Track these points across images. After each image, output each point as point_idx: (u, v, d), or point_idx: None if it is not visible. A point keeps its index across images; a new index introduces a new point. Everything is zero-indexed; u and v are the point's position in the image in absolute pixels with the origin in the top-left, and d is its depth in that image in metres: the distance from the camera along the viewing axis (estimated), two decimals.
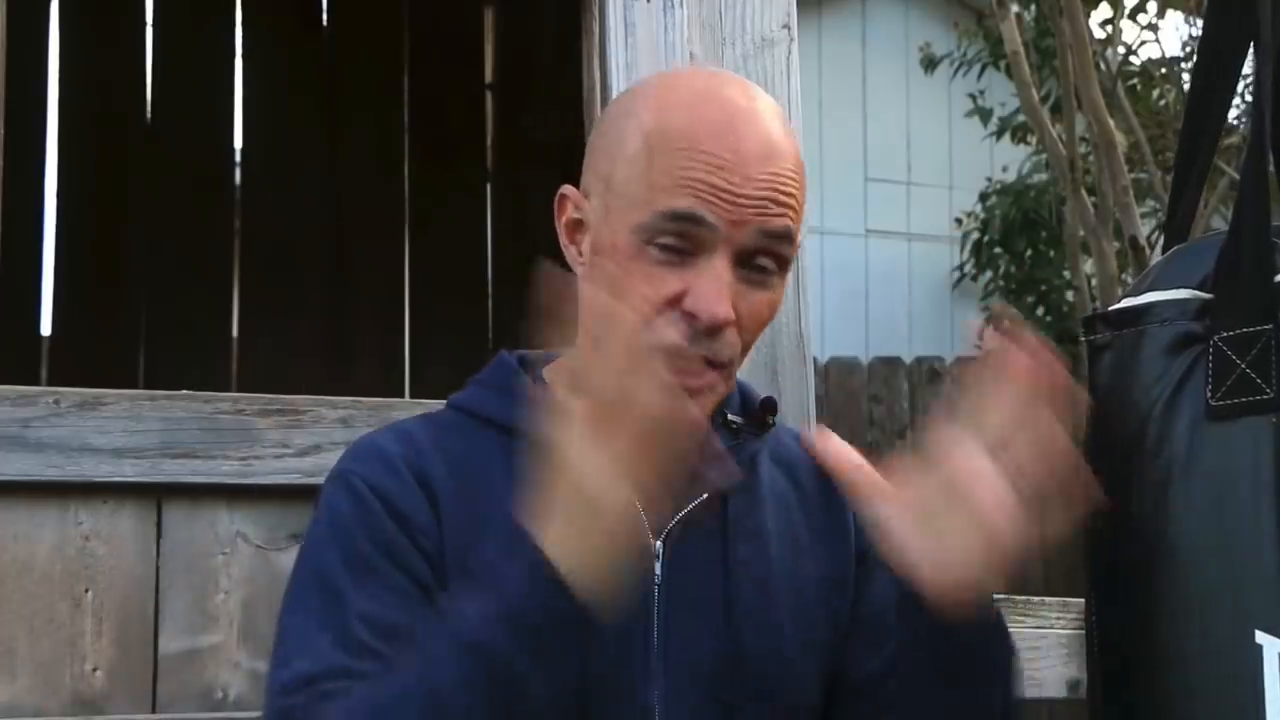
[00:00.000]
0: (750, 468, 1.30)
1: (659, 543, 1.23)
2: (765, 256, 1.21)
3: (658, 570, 1.23)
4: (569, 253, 1.28)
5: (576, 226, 1.27)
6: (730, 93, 1.24)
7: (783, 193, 1.20)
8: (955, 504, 1.08)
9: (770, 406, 1.33)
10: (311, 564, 1.22)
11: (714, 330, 1.18)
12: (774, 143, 1.22)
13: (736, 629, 1.23)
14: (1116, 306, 1.29)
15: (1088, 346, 1.29)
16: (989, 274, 7.72)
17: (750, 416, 1.32)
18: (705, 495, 1.24)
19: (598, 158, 1.27)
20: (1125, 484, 1.21)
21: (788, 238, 1.22)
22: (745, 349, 1.24)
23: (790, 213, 1.21)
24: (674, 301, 1.19)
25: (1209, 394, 1.19)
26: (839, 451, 1.14)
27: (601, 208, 1.24)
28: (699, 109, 1.21)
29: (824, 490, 1.31)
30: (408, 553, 1.20)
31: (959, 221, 8.09)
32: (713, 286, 1.18)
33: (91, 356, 3.70)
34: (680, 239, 1.18)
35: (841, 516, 1.32)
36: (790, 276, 1.76)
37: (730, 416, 1.31)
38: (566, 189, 1.28)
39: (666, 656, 1.21)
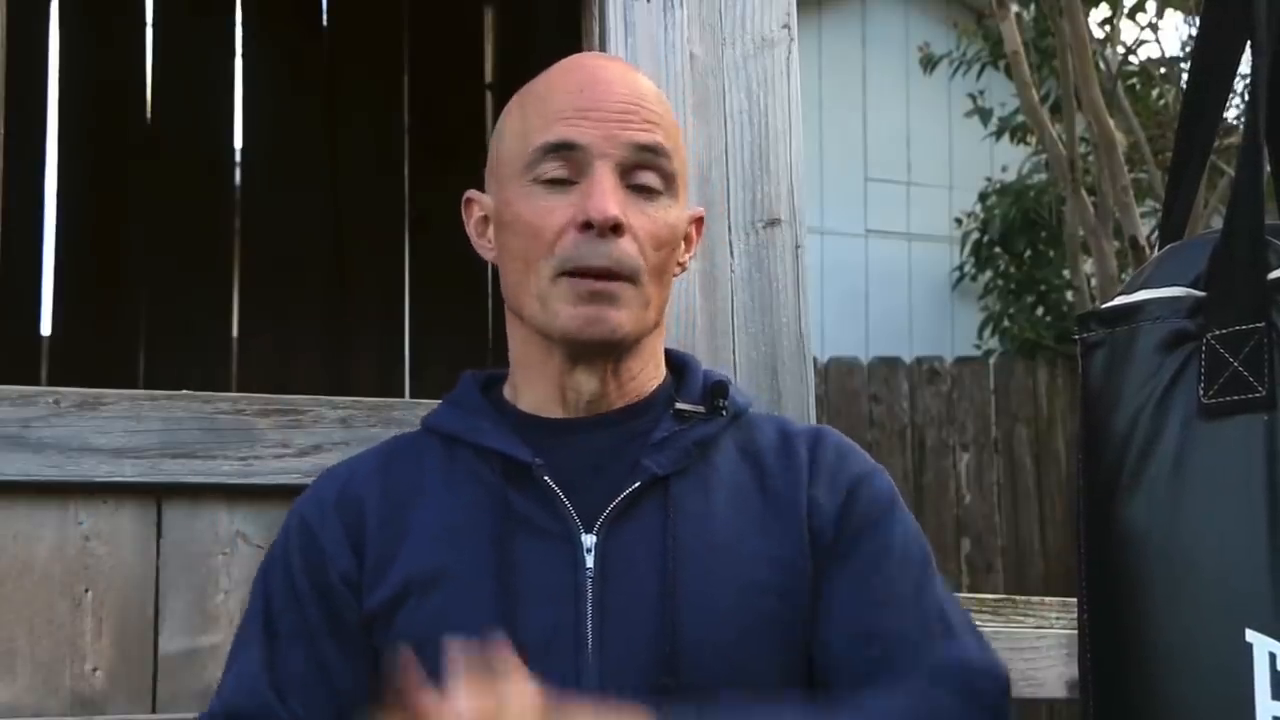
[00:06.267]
0: (700, 453, 1.29)
1: (590, 535, 1.24)
2: (645, 171, 1.28)
3: (590, 563, 1.23)
4: (481, 247, 1.37)
5: (484, 222, 1.36)
6: (587, 56, 1.39)
7: (646, 109, 1.29)
8: None
9: (719, 390, 1.33)
10: (258, 591, 1.33)
11: (605, 229, 1.23)
12: (631, 75, 1.33)
13: (675, 613, 1.22)
14: (1109, 304, 1.29)
15: (1080, 344, 1.30)
16: (989, 274, 7.71)
17: (702, 402, 1.33)
18: (638, 484, 1.25)
19: (490, 157, 1.37)
20: (1117, 482, 1.21)
21: (662, 153, 1.28)
22: (654, 272, 1.27)
23: (658, 130, 1.29)
24: (568, 225, 1.25)
25: (1201, 392, 1.19)
26: None
27: (495, 187, 1.33)
28: (560, 70, 1.33)
29: (785, 469, 1.31)
30: (319, 590, 1.29)
31: (959, 221, 8.07)
32: (599, 191, 1.24)
33: (91, 356, 3.70)
34: (561, 168, 1.26)
35: (797, 495, 1.30)
36: (790, 276, 1.77)
37: (680, 405, 1.32)
38: (470, 193, 1.38)
39: (602, 648, 1.21)
